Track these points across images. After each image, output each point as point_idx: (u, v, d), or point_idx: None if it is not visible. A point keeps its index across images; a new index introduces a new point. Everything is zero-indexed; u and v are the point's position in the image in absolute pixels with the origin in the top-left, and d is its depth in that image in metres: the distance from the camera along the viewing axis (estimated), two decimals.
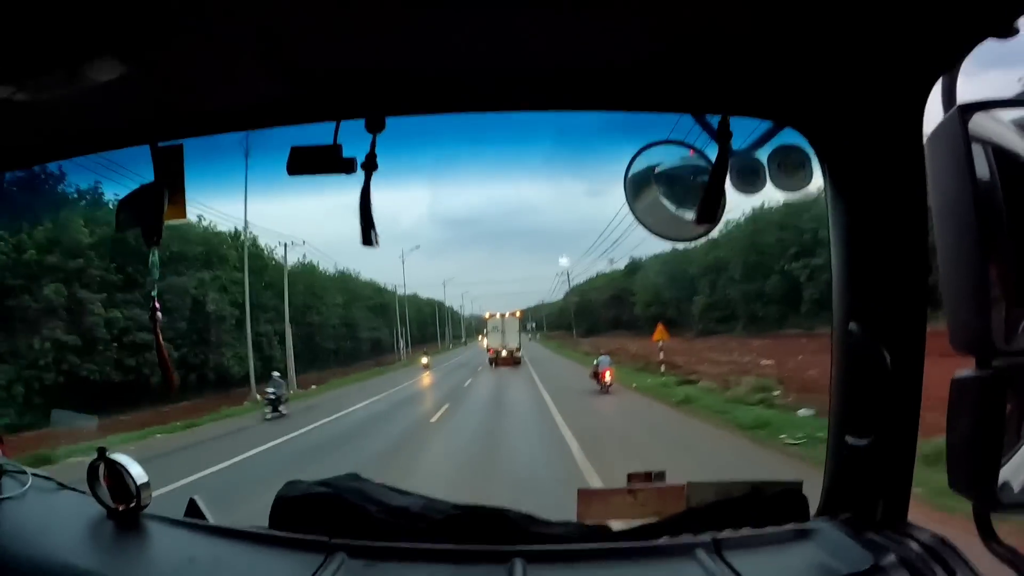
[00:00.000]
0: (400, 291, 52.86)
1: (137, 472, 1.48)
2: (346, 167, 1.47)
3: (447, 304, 71.75)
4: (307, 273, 37.78)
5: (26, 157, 1.73)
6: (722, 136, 1.44)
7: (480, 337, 50.43)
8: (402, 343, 47.71)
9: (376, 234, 1.49)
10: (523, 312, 44.72)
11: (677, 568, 1.33)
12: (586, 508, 1.67)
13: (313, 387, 29.27)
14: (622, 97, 1.52)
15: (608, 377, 19.63)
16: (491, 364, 33.42)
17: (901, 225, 1.35)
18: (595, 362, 21.52)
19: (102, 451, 1.51)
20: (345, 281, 42.94)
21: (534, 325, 69.04)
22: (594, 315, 53.75)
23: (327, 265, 42.30)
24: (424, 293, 65.94)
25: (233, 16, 1.15)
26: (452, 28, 1.23)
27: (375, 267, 51.97)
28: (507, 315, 35.39)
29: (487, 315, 36.70)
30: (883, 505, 1.40)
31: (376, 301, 46.79)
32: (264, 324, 31.09)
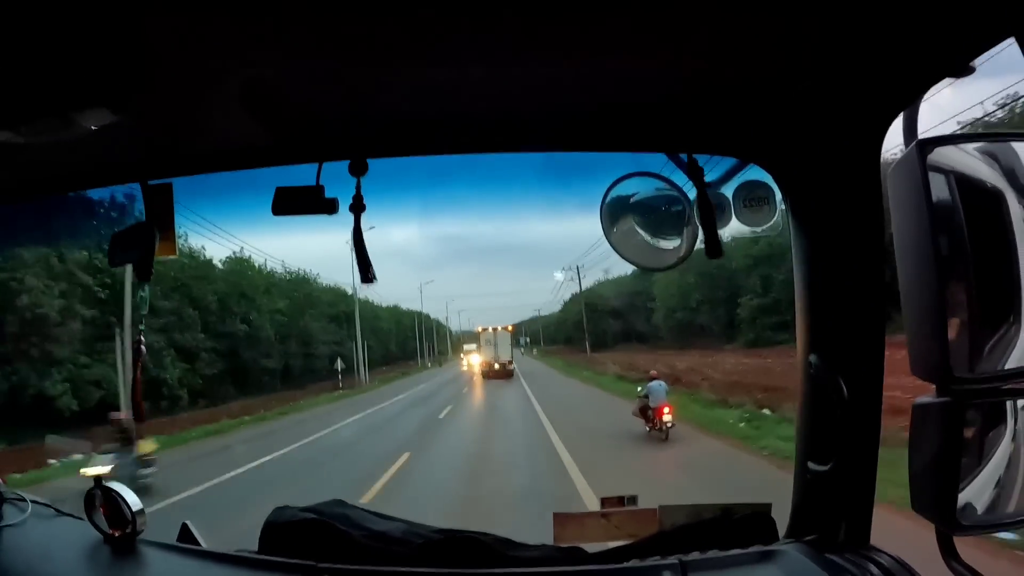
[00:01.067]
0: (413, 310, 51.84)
1: (132, 500, 1.53)
2: (328, 208, 1.52)
3: (431, 316, 65.92)
4: (236, 270, 31.19)
5: (21, 192, 1.77)
6: (694, 174, 1.51)
7: (461, 356, 49.17)
8: (362, 365, 39.62)
9: (373, 272, 1.54)
10: (515, 327, 43.52)
11: None
12: (561, 531, 1.71)
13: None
14: (592, 139, 1.59)
15: (667, 416, 12.76)
16: (484, 376, 33.45)
17: (858, 257, 1.40)
18: (639, 390, 14.07)
19: (98, 480, 1.55)
20: (297, 285, 37.69)
21: (527, 340, 64.16)
22: (599, 326, 47.00)
23: (274, 266, 36.09)
24: (411, 306, 61.59)
25: (217, 64, 1.20)
26: (432, 76, 1.28)
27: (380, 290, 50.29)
28: (499, 329, 35.45)
29: (479, 329, 36.63)
30: (846, 527, 1.44)
31: (340, 309, 40.28)
32: (155, 333, 22.30)
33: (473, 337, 39.22)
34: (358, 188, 1.49)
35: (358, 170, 1.49)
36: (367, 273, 1.54)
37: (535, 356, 58.08)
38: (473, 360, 38.57)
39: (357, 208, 1.50)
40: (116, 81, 1.18)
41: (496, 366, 33.91)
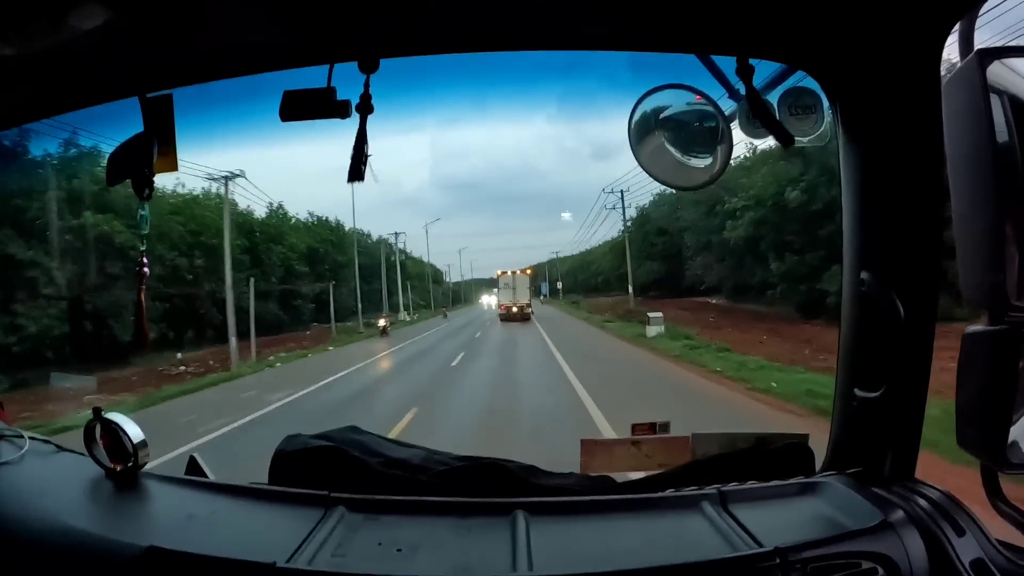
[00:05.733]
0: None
1: (134, 431, 1.47)
2: (340, 111, 1.42)
3: (408, 253, 55.88)
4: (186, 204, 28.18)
5: (11, 116, 1.68)
6: (744, 75, 1.40)
7: (482, 299, 48.13)
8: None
9: (364, 170, 1.45)
10: (533, 269, 43.22)
11: (682, 520, 1.31)
12: (589, 459, 1.65)
13: None
14: (631, 36, 1.46)
15: None
16: (502, 319, 34.65)
17: (916, 171, 1.32)
18: None
19: (97, 411, 1.50)
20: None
21: (548, 287, 55.27)
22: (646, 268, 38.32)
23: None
24: (423, 256, 58.94)
25: None
26: None
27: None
28: (517, 272, 36.34)
29: (498, 273, 37.54)
30: (891, 460, 1.38)
31: (314, 244, 36.44)
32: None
33: (485, 286, 39.56)
34: (366, 86, 1.40)
35: (369, 68, 1.39)
36: (358, 170, 1.43)
37: (560, 305, 50.66)
38: (491, 302, 39.76)
39: (364, 108, 1.40)
40: None
41: (514, 309, 35.38)
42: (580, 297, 51.97)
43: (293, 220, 36.45)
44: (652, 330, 22.23)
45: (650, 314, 23.17)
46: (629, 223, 39.25)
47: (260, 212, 33.37)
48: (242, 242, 29.13)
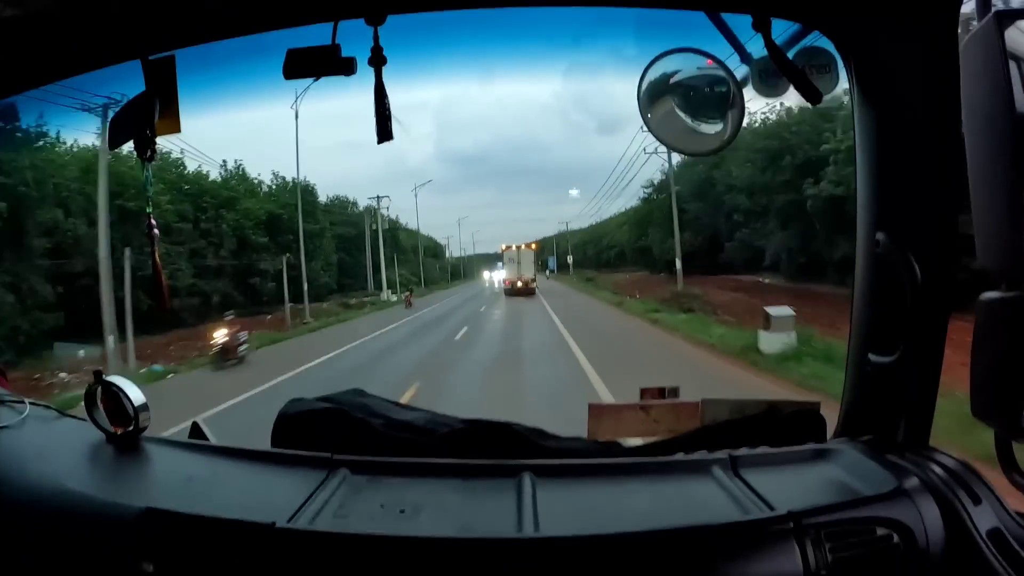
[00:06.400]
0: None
1: (135, 395, 1.47)
2: (345, 68, 1.39)
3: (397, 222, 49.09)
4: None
5: (10, 82, 1.64)
6: (763, 30, 1.37)
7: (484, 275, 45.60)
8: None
9: (391, 127, 1.41)
10: (539, 244, 41.15)
11: (693, 484, 1.30)
12: (597, 424, 1.64)
13: None
14: None
15: None
16: (507, 294, 34.05)
17: (932, 132, 1.30)
18: None
19: (98, 374, 1.50)
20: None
21: (555, 265, 49.88)
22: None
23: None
24: (431, 232, 54.29)
25: None
26: None
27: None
28: (522, 247, 35.40)
29: (503, 247, 36.38)
30: (905, 426, 1.37)
31: (276, 210, 30.05)
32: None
33: (491, 261, 38.10)
34: (376, 40, 1.36)
35: (376, 20, 1.35)
36: (386, 128, 1.40)
37: (572, 281, 43.85)
38: (495, 277, 38.41)
39: (377, 61, 1.37)
40: None
41: (519, 284, 34.41)
42: (593, 273, 46.12)
43: (258, 183, 31.03)
44: (774, 341, 12.21)
45: (772, 311, 12.78)
46: (650, 189, 34.27)
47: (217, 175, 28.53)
48: (182, 208, 24.83)
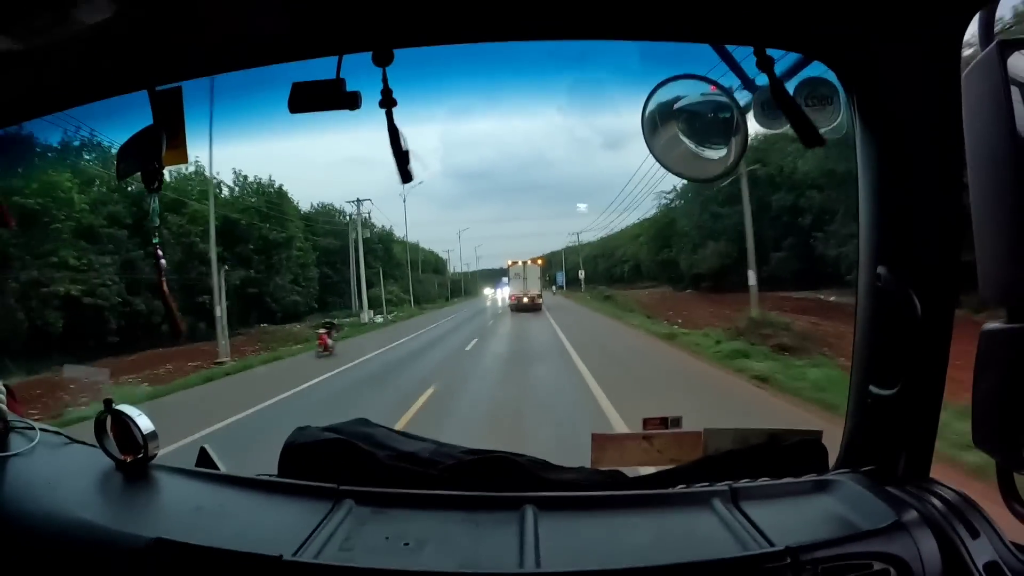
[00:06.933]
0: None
1: (144, 423, 1.49)
2: (349, 102, 1.41)
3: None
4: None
5: (17, 112, 1.67)
6: (764, 66, 1.37)
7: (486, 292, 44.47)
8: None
9: (410, 168, 1.42)
10: (544, 259, 41.18)
11: (692, 517, 1.31)
12: (600, 453, 1.65)
13: None
14: (644, 25, 1.43)
15: None
16: (513, 309, 33.64)
17: (934, 164, 1.30)
18: None
19: (108, 403, 1.52)
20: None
21: (563, 280, 48.14)
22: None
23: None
24: (431, 246, 51.78)
25: None
26: None
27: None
28: (528, 263, 35.18)
29: (509, 263, 36.24)
30: (906, 459, 1.37)
31: (234, 214, 25.44)
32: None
33: (496, 277, 37.63)
34: (385, 80, 1.37)
35: (383, 60, 1.36)
36: (405, 169, 1.41)
37: (587, 302, 37.56)
38: (498, 295, 37.76)
39: (388, 101, 1.37)
40: None
41: (525, 299, 34.12)
42: (607, 288, 41.70)
43: (217, 183, 26.05)
44: None
45: None
46: (672, 195, 31.17)
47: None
48: (115, 209, 21.32)
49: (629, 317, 24.85)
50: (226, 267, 22.25)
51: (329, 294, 33.12)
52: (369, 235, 36.81)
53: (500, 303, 37.47)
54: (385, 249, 39.92)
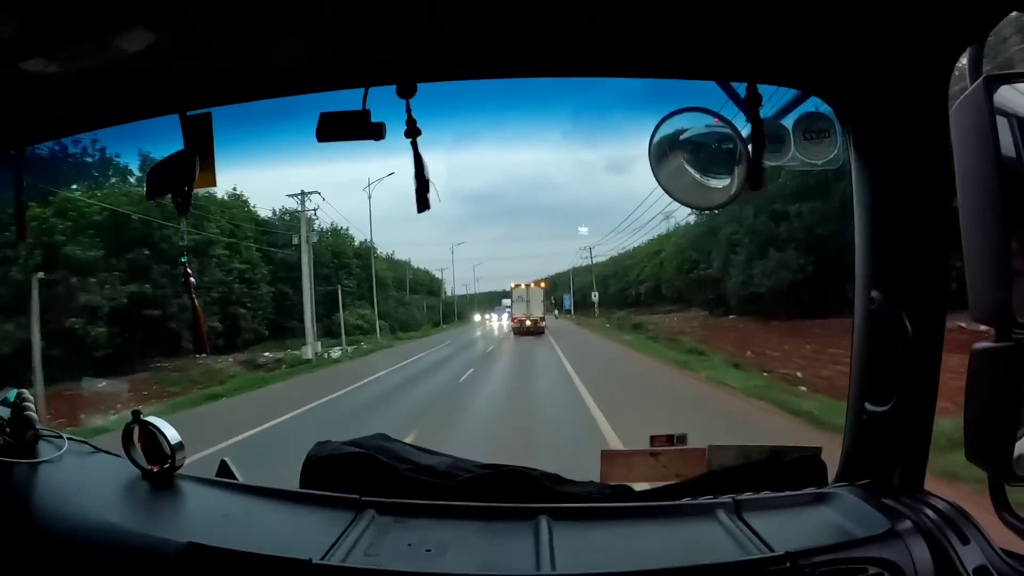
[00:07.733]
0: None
1: (171, 434, 1.53)
2: (375, 132, 1.48)
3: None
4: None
5: (55, 129, 1.76)
6: (752, 103, 1.44)
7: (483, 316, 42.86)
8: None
9: (429, 197, 1.49)
10: (547, 282, 39.99)
11: (698, 527, 1.36)
12: (609, 469, 1.70)
13: None
14: (647, 63, 1.52)
15: None
16: (515, 332, 32.89)
17: (925, 193, 1.36)
18: None
19: (136, 414, 1.56)
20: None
21: (570, 303, 46.53)
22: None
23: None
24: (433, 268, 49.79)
25: None
26: None
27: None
28: (531, 285, 34.61)
29: (512, 285, 35.53)
30: (900, 472, 1.43)
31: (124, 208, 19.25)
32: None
33: (489, 301, 36.59)
34: (409, 112, 1.45)
35: (406, 92, 1.44)
36: (424, 198, 1.49)
37: (610, 332, 31.62)
38: (495, 322, 36.49)
39: (412, 132, 1.45)
40: None
41: (528, 322, 33.33)
42: (624, 312, 37.19)
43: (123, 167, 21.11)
44: None
45: None
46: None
47: None
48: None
49: (700, 365, 15.89)
50: (148, 285, 17.68)
51: (287, 318, 27.07)
52: (321, 241, 30.13)
53: (497, 331, 34.49)
54: (361, 266, 33.92)
